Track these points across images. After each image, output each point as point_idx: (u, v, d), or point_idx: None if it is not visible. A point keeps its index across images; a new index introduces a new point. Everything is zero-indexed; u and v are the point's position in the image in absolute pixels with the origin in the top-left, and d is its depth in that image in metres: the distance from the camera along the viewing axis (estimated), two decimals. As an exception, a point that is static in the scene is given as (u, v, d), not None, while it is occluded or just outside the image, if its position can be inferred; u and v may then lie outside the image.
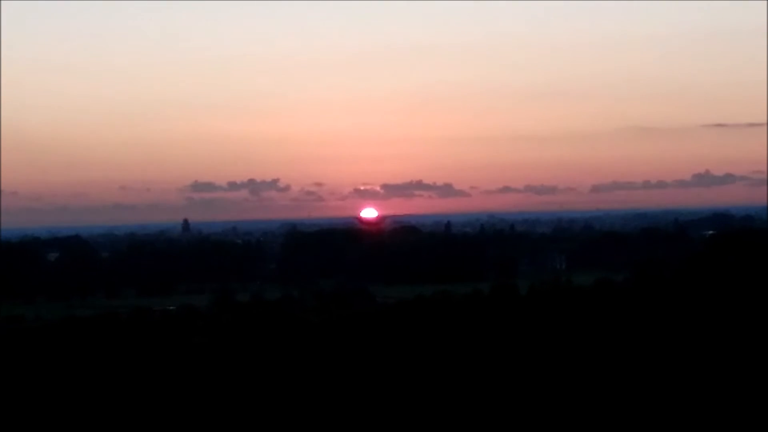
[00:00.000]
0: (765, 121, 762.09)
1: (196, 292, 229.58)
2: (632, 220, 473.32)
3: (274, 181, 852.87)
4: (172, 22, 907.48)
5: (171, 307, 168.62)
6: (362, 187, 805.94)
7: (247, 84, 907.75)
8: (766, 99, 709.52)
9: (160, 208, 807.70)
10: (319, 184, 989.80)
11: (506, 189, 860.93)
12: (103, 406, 77.81)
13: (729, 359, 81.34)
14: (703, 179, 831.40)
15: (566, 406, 75.00)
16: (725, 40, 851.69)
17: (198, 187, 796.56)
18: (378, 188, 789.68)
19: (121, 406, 77.57)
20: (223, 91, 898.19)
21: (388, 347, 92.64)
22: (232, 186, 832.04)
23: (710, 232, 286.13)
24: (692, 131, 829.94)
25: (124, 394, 79.74)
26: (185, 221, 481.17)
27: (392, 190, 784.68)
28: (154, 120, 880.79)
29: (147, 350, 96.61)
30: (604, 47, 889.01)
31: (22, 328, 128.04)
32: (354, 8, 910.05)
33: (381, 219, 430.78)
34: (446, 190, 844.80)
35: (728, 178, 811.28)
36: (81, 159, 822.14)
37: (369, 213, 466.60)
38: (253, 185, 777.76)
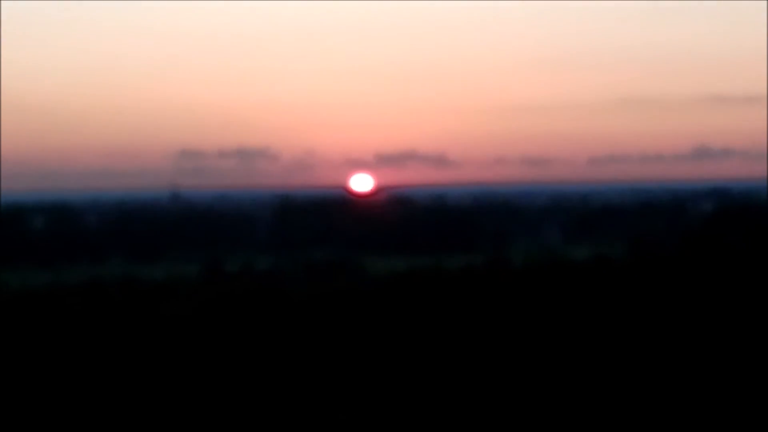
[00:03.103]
0: (764, 94, 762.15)
1: (185, 260, 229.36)
2: (629, 194, 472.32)
3: (264, 150, 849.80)
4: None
5: (158, 275, 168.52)
6: (354, 157, 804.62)
7: (235, 50, 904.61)
8: (766, 71, 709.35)
9: (148, 175, 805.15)
10: (309, 153, 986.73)
11: (501, 161, 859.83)
12: (89, 376, 77.70)
13: (727, 337, 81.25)
14: (702, 153, 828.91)
15: (561, 381, 74.93)
16: (724, 11, 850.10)
17: (186, 154, 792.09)
18: (370, 158, 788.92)
19: (107, 377, 77.47)
20: (210, 58, 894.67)
21: (380, 320, 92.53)
22: (221, 154, 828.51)
23: (709, 206, 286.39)
24: (690, 104, 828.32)
25: (109, 364, 79.62)
26: (174, 189, 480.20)
27: (385, 160, 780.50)
28: (142, 85, 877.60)
29: (134, 318, 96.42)
30: (600, 17, 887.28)
31: (6, 295, 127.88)
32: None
33: (373, 189, 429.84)
34: (440, 161, 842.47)
35: (727, 152, 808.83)
36: (67, 124, 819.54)
37: (361, 183, 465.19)
38: (242, 153, 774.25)
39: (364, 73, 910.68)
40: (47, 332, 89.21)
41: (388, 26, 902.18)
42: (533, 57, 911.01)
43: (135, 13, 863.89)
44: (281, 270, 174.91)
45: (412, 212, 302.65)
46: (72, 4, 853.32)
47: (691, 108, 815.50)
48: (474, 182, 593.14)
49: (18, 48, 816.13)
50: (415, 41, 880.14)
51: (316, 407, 73.86)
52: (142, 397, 75.16)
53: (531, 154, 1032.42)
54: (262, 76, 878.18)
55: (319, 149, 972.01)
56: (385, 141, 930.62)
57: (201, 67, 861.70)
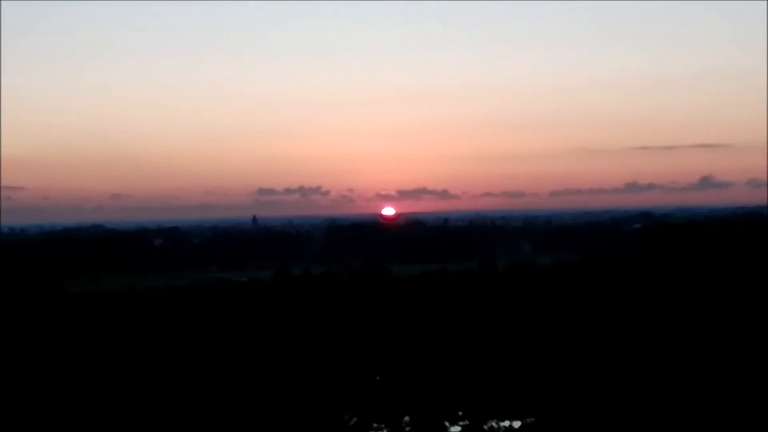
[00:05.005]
0: (679, 145, 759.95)
1: (263, 268, 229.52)
2: (580, 217, 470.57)
3: (318, 188, 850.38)
4: (248, 69, 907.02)
5: (244, 279, 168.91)
6: (383, 192, 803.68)
7: (300, 115, 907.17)
8: (679, 127, 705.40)
9: (235, 207, 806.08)
10: (351, 190, 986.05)
11: (488, 194, 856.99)
12: (198, 352, 77.16)
13: (657, 321, 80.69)
14: (632, 187, 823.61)
15: (530, 355, 74.27)
16: (648, 85, 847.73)
17: (262, 191, 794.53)
18: (394, 193, 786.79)
19: (212, 353, 77.01)
20: (282, 121, 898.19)
21: (402, 307, 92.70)
22: (288, 191, 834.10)
23: (637, 225, 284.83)
24: (623, 151, 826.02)
25: (212, 342, 79.46)
26: (254, 217, 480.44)
27: (404, 194, 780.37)
28: (232, 141, 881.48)
29: (227, 310, 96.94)
30: (558, 89, 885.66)
31: (136, 293, 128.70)
32: (378, 57, 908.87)
33: (396, 216, 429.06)
34: (444, 194, 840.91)
35: (651, 186, 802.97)
36: (177, 170, 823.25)
37: (388, 211, 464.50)
38: (303, 190, 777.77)
39: (388, 133, 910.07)
40: (164, 321, 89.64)
41: (406, 100, 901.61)
42: (510, 119, 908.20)
43: (228, 90, 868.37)
44: (332, 274, 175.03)
45: (425, 231, 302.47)
46: (182, 74, 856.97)
47: (624, 155, 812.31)
48: (469, 210, 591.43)
49: (141, 113, 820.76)
50: (425, 110, 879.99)
51: (354, 370, 73.39)
52: (232, 362, 74.38)
53: (509, 189, 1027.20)
54: (316, 136, 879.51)
55: (357, 187, 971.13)
56: (404, 180, 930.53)
57: (274, 128, 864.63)
